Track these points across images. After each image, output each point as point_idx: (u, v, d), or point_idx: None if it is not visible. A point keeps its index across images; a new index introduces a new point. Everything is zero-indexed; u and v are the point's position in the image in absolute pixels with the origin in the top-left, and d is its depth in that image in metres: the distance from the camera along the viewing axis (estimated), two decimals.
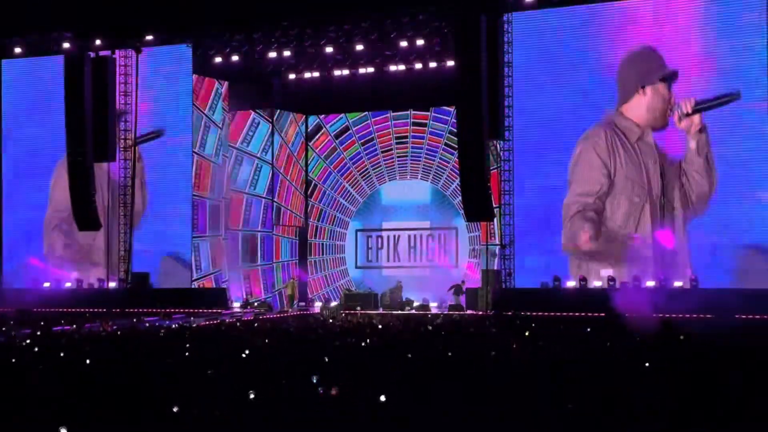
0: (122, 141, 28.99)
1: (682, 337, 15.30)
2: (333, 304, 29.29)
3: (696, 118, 24.35)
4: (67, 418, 8.27)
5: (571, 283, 25.27)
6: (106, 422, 8.42)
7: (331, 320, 22.20)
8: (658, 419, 8.29)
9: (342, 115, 32.19)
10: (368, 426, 8.31)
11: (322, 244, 32.61)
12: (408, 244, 31.33)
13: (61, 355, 13.25)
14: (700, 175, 24.27)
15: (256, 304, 30.01)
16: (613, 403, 8.78)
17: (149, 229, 29.37)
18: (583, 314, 22.56)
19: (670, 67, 24.63)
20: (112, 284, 29.18)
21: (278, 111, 31.62)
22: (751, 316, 21.85)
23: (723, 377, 10.17)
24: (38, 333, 17.90)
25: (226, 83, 30.25)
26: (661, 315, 20.27)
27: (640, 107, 25.05)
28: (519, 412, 8.45)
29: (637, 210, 24.88)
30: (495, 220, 26.36)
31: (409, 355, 12.87)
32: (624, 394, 9.22)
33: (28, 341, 15.83)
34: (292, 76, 30.66)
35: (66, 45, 29.10)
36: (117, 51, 28.67)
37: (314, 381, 9.85)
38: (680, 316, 21.12)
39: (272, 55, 28.97)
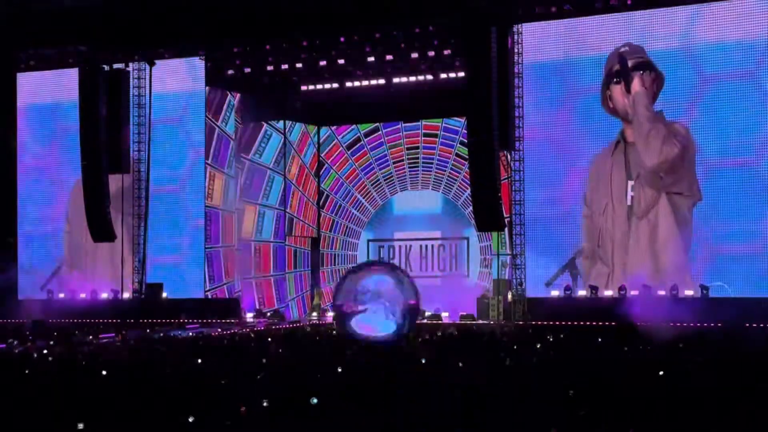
0: (136, 153, 29.16)
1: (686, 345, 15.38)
2: None
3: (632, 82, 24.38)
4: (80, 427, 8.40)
5: (582, 293, 25.32)
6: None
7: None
8: (658, 421, 8.40)
9: (353, 126, 32.33)
10: None
11: (335, 254, 32.74)
12: (420, 254, 31.41)
13: (75, 365, 13.42)
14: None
15: (268, 314, 30.13)
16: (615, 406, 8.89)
17: (162, 239, 29.60)
18: (594, 323, 22.66)
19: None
20: (126, 295, 29.39)
21: (290, 122, 31.79)
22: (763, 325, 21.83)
23: (723, 381, 10.26)
24: (52, 343, 18.10)
25: (238, 95, 30.43)
26: (671, 324, 20.32)
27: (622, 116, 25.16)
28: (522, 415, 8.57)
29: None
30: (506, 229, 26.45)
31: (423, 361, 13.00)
32: (627, 398, 9.32)
33: (44, 352, 16.02)
34: (303, 88, 30.83)
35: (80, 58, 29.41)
36: (131, 64, 28.93)
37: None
38: (691, 325, 21.17)
39: (284, 66, 29.13)
